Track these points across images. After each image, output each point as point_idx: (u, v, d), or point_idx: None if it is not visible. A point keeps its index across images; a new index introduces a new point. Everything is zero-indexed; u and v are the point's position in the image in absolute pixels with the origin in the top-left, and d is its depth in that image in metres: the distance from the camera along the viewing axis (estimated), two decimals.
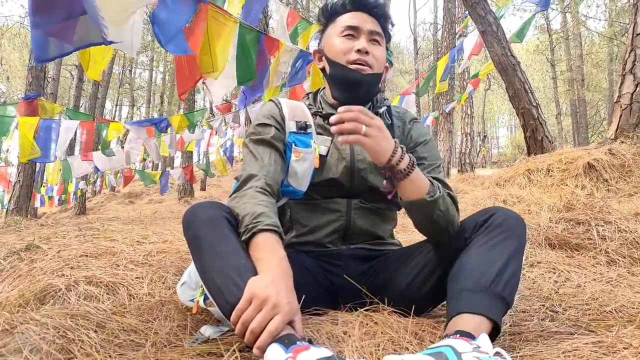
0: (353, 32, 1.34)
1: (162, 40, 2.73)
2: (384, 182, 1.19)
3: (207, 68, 3.17)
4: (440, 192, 1.19)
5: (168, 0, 2.72)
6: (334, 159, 1.36)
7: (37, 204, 11.23)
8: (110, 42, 2.28)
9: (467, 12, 5.99)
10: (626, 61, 4.29)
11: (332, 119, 1.07)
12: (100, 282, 1.53)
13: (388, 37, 1.42)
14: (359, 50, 1.31)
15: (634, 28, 4.29)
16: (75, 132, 6.85)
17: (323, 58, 1.42)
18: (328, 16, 1.42)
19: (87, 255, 1.85)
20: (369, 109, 1.42)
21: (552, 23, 20.87)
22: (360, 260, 1.38)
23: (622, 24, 16.61)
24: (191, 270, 1.23)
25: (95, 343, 1.01)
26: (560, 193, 3.02)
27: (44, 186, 12.26)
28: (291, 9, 5.38)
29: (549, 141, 4.86)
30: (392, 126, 1.43)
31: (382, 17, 1.38)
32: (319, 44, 1.48)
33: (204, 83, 3.59)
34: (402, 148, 1.15)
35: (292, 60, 4.18)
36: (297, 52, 4.22)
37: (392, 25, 1.42)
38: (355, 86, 1.34)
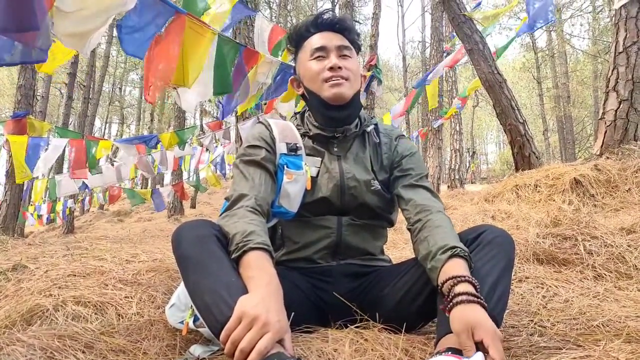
0: (322, 52, 1.38)
1: (124, 43, 2.76)
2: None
3: (179, 80, 3.19)
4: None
5: (139, 9, 2.75)
6: (324, 179, 1.38)
7: (28, 222, 11.05)
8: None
9: (454, 31, 6.09)
10: (609, 79, 4.38)
11: None
12: (89, 302, 1.51)
13: (357, 48, 1.46)
14: (331, 68, 1.35)
15: (615, 47, 4.39)
16: (64, 150, 6.81)
17: (301, 85, 1.46)
18: (296, 43, 1.46)
19: (75, 275, 1.83)
20: (356, 126, 1.45)
21: (537, 41, 21.34)
22: (350, 276, 1.38)
23: (605, 42, 17.01)
24: (180, 291, 1.22)
25: None
26: (547, 208, 3.05)
27: (31, 204, 12.09)
28: (276, 24, 5.42)
29: (536, 157, 4.92)
30: (379, 144, 1.46)
31: (345, 30, 1.42)
32: (293, 71, 1.52)
33: (175, 89, 3.58)
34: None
35: (272, 72, 4.20)
36: (277, 64, 4.24)
37: (358, 35, 1.46)
38: (335, 113, 1.38)
